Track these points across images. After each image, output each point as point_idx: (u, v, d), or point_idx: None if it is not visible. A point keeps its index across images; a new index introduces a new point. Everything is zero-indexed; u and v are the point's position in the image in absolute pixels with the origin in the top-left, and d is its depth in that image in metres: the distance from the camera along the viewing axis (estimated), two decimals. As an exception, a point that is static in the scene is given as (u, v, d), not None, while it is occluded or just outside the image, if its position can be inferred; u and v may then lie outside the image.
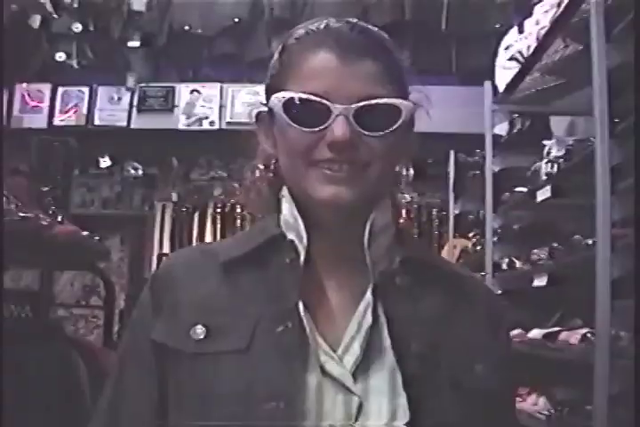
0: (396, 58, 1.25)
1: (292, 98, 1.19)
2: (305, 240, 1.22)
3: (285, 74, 1.23)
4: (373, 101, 1.17)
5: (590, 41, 2.69)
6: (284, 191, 1.28)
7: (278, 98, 1.20)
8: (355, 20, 1.25)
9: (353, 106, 1.16)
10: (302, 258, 1.21)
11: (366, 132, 1.17)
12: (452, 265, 1.39)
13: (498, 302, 1.36)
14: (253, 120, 1.31)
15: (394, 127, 1.19)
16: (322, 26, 1.24)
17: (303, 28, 1.26)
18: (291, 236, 1.24)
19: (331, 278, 1.25)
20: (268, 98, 1.25)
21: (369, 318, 1.17)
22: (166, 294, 1.26)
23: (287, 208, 1.27)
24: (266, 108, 1.26)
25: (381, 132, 1.18)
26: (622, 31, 2.68)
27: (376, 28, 1.26)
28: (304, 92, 1.18)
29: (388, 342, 1.16)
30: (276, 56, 1.28)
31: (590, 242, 2.83)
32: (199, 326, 1.19)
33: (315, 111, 1.17)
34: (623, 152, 2.61)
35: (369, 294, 1.19)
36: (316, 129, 1.17)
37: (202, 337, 1.18)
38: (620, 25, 2.68)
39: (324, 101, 1.16)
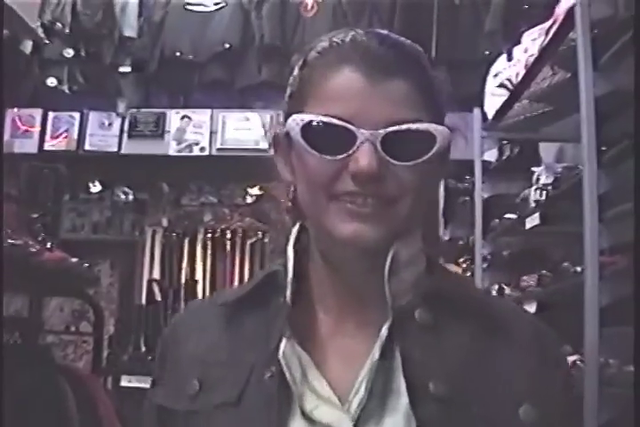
0: (432, 76, 1.12)
1: (312, 121, 1.05)
2: (290, 274, 1.12)
3: (305, 93, 1.09)
4: (404, 127, 1.03)
5: (578, 69, 2.71)
6: (296, 226, 1.18)
7: (296, 121, 1.06)
8: (385, 32, 1.12)
9: (381, 131, 1.02)
10: (288, 293, 1.11)
11: (395, 162, 1.04)
12: (489, 298, 1.24)
13: (546, 337, 1.17)
14: (270, 142, 1.20)
15: (427, 156, 1.05)
16: (347, 38, 1.09)
17: (327, 40, 1.11)
18: (289, 273, 1.13)
19: (348, 317, 1.13)
20: (286, 119, 1.11)
21: (376, 355, 1.05)
22: (169, 353, 1.20)
23: (289, 242, 1.17)
24: (284, 130, 1.12)
25: (412, 162, 1.04)
26: (609, 60, 2.70)
27: (409, 41, 1.14)
28: (326, 115, 1.04)
29: (402, 384, 1.03)
30: (295, 72, 1.14)
31: (579, 269, 2.84)
32: (193, 382, 1.11)
33: (337, 137, 1.03)
34: (611, 180, 2.62)
35: (384, 331, 1.06)
36: (339, 157, 1.04)
37: (194, 393, 1.10)
38: (607, 53, 2.70)
39: (349, 126, 1.03)
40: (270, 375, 1.05)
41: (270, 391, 1.04)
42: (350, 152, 1.03)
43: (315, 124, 1.05)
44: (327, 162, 1.05)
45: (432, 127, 1.06)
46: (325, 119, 1.04)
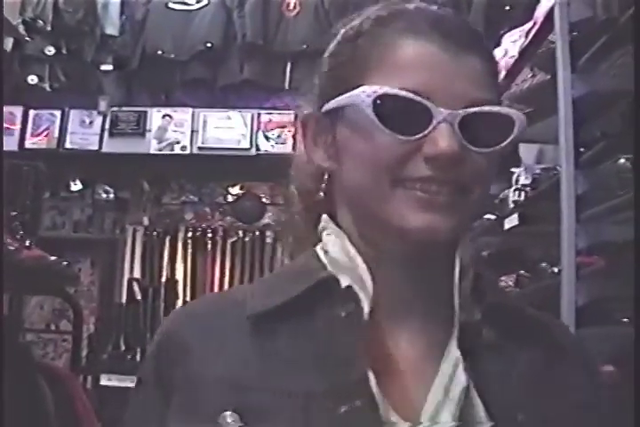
0: (495, 57, 1.00)
1: (387, 94, 0.89)
2: (370, 288, 0.92)
3: (364, 64, 0.94)
4: (486, 108, 0.91)
5: (556, 71, 2.73)
6: (326, 221, 1.01)
7: (367, 92, 0.90)
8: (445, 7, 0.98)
9: (460, 112, 0.89)
10: (367, 310, 0.91)
11: (473, 148, 0.91)
12: (535, 311, 1.06)
13: (587, 348, 1.08)
14: (299, 124, 1.02)
15: (505, 143, 0.93)
16: (411, 6, 0.96)
17: (382, 8, 0.98)
18: (346, 280, 0.94)
19: (398, 331, 0.96)
20: (326, 95, 0.97)
21: (462, 380, 0.89)
22: (177, 368, 0.94)
23: (335, 243, 0.98)
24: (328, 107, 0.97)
25: (491, 149, 0.92)
26: (588, 61, 2.72)
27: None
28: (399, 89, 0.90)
29: (482, 410, 0.89)
30: (341, 42, 0.99)
31: (556, 270, 2.86)
32: (229, 414, 0.88)
33: (412, 114, 0.89)
34: (588, 181, 2.64)
35: (455, 349, 0.91)
36: (414, 137, 0.89)
37: None
38: (585, 55, 2.72)
39: (427, 103, 0.89)
40: (348, 410, 0.86)
41: None
42: (426, 132, 0.89)
43: (390, 97, 0.89)
44: (400, 142, 0.90)
45: (512, 111, 0.94)
46: (403, 93, 0.89)
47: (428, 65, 0.91)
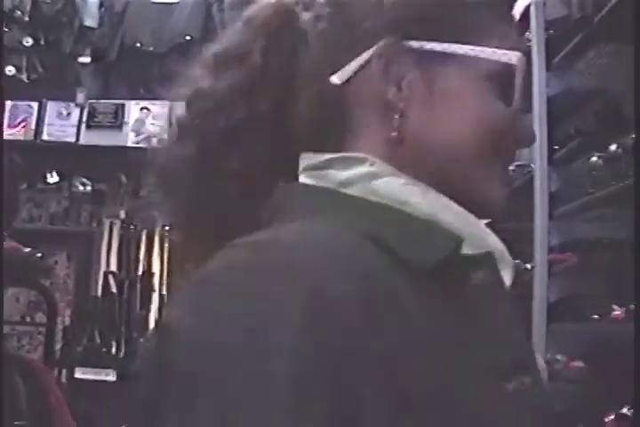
0: None
1: (515, 66, 0.85)
2: (509, 258, 0.84)
3: (474, 25, 0.86)
4: None
5: (532, 69, 2.74)
6: (379, 165, 0.83)
7: (518, 56, 0.85)
8: None
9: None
10: (510, 282, 0.82)
11: None
12: None
13: None
14: (379, 50, 0.85)
15: None
16: None
17: None
18: (474, 246, 0.79)
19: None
20: (410, 30, 0.85)
21: (542, 362, 0.88)
22: (393, 335, 0.68)
23: (427, 199, 0.82)
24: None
25: None
26: (563, 60, 2.74)
27: None
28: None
29: None
30: None
31: (529, 266, 2.87)
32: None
33: (511, 93, 0.86)
34: (561, 178, 2.66)
35: None
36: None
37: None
38: (560, 54, 2.74)
39: (517, 88, 0.86)
40: (518, 387, 0.74)
41: (525, 412, 0.75)
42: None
43: (514, 68, 0.85)
44: (514, 113, 0.86)
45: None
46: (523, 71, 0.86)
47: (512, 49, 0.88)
